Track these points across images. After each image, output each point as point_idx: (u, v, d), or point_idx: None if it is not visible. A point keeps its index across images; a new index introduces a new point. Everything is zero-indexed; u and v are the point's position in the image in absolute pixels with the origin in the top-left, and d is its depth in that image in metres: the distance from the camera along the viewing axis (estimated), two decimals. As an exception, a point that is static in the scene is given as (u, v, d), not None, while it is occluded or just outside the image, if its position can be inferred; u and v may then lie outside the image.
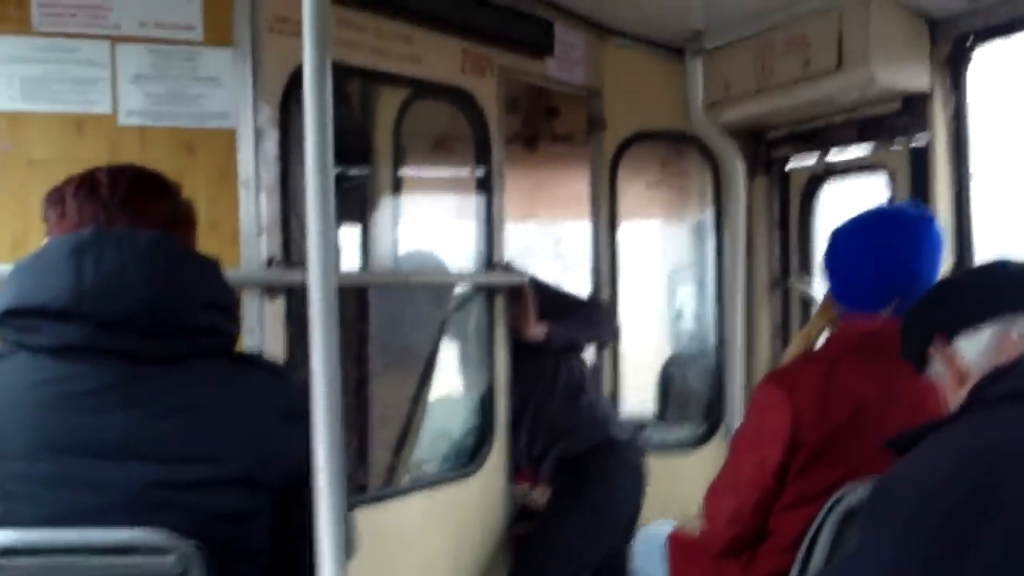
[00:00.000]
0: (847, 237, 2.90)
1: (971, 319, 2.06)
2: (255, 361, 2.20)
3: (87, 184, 2.07)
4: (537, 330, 4.18)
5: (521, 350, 4.18)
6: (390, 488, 3.98)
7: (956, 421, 1.91)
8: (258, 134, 3.06)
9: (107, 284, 1.91)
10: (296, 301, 3.10)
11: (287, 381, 2.15)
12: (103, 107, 2.95)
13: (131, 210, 2.05)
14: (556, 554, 4.10)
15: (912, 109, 3.87)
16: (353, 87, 4.11)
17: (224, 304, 2.06)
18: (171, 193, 2.16)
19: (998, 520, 1.64)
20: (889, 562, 1.74)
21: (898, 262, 2.77)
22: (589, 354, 4.62)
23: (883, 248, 2.79)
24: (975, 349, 2.05)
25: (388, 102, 4.21)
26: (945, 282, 2.29)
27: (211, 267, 2.07)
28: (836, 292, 2.91)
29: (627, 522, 4.21)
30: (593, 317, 4.50)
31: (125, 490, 1.91)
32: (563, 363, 4.33)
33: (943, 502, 1.70)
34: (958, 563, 1.65)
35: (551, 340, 4.23)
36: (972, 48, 3.69)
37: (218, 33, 3.03)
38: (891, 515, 1.78)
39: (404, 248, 4.54)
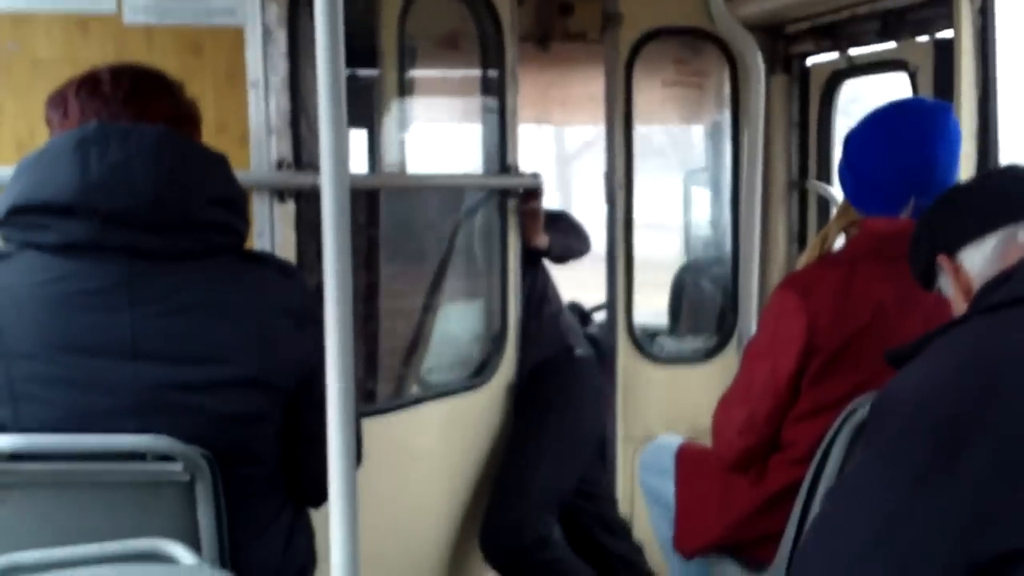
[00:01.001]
0: (858, 137, 2.85)
1: (975, 231, 2.04)
2: (265, 259, 2.19)
3: (89, 83, 2.05)
4: (542, 239, 4.17)
5: None
6: (399, 398, 3.96)
7: (953, 330, 1.89)
8: (266, 32, 2.98)
9: (112, 176, 1.89)
10: (307, 204, 3.07)
11: (297, 281, 2.13)
12: (108, 5, 2.87)
13: (134, 107, 2.03)
14: (527, 486, 4.04)
15: (937, 0, 3.77)
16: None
17: (232, 199, 2.05)
18: (174, 91, 2.15)
19: (990, 426, 1.64)
20: (883, 473, 1.74)
21: (911, 159, 2.72)
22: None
23: (894, 146, 2.75)
24: (980, 259, 2.03)
25: (393, -1, 4.12)
26: (946, 197, 2.23)
27: (218, 162, 2.06)
28: (852, 195, 2.86)
29: (595, 443, 4.28)
30: (577, 228, 4.55)
31: (133, 390, 1.91)
32: (527, 273, 4.29)
33: (935, 412, 1.71)
34: (949, 471, 1.64)
35: (551, 249, 4.25)
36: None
37: (224, -74, 2.94)
38: (886, 428, 1.79)
39: (424, 154, 4.47)
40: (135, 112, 2.03)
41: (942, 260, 2.11)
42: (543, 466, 4.06)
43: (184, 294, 1.96)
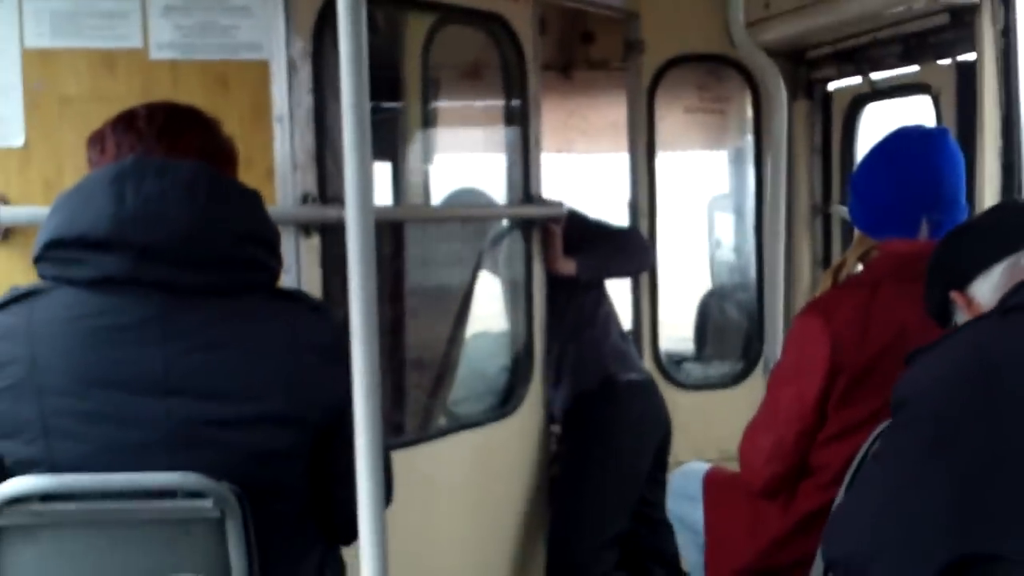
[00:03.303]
0: (863, 170, 2.93)
1: (982, 264, 2.13)
2: (296, 297, 2.19)
3: (125, 119, 2.09)
4: (567, 266, 4.10)
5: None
6: (427, 431, 3.96)
7: (962, 330, 1.98)
8: (291, 66, 3.01)
9: (147, 210, 1.90)
10: (332, 238, 3.08)
11: (327, 318, 2.13)
12: (134, 42, 2.91)
13: (167, 141, 2.05)
14: (580, 527, 4.05)
15: (959, 23, 3.75)
16: (380, 14, 4.03)
17: (265, 237, 2.05)
18: (209, 127, 2.16)
19: (984, 421, 1.71)
20: (894, 459, 1.86)
21: (919, 175, 2.77)
22: (610, 287, 4.55)
23: (901, 165, 2.80)
24: (988, 289, 2.11)
25: (415, 29, 4.14)
26: (954, 234, 2.31)
27: (252, 199, 2.06)
28: (865, 225, 2.91)
29: (644, 471, 4.17)
30: (625, 248, 4.43)
31: (164, 426, 1.91)
32: (573, 296, 4.26)
33: (936, 402, 1.80)
34: (941, 461, 1.73)
35: (580, 274, 4.14)
36: (1023, -46, 3.57)
37: (248, -39, 2.98)
38: (898, 415, 1.89)
39: (448, 185, 4.47)
40: (168, 146, 2.05)
41: (955, 296, 2.18)
42: (592, 504, 4.05)
43: (216, 330, 1.97)
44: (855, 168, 2.96)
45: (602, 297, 4.40)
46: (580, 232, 4.21)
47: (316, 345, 2.05)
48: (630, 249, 4.44)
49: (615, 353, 4.28)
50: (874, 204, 2.84)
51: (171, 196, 1.92)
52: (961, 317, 2.19)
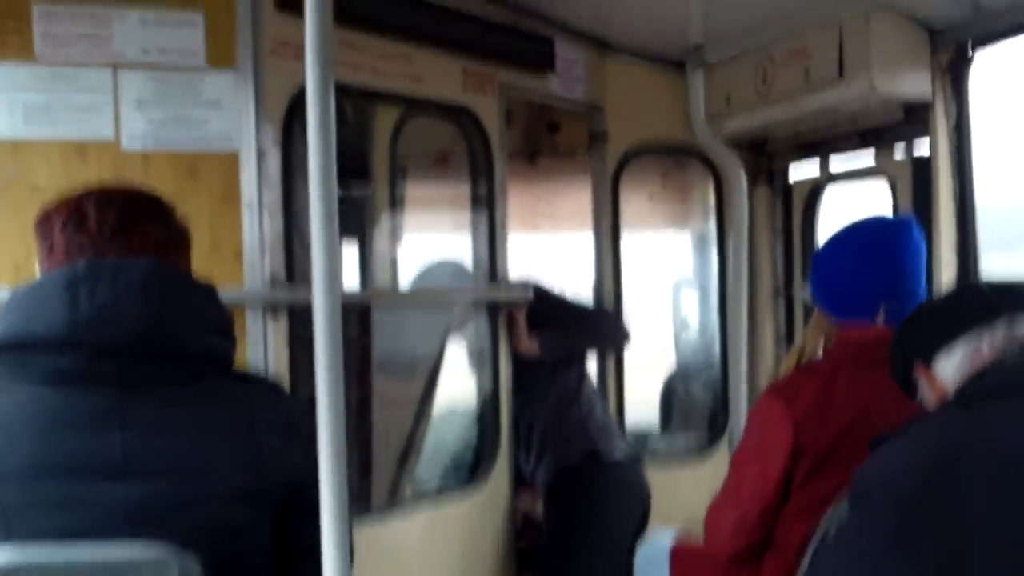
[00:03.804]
0: (827, 252, 2.97)
1: (943, 340, 2.18)
2: (252, 379, 2.20)
3: (75, 216, 2.05)
4: (529, 346, 4.14)
5: (517, 361, 4.17)
6: (394, 505, 3.97)
7: (922, 421, 2.01)
8: (260, 155, 3.07)
9: (101, 315, 1.91)
10: (299, 319, 3.11)
11: (283, 397, 2.16)
12: (106, 133, 2.97)
13: (120, 239, 2.04)
14: None
15: (914, 117, 3.88)
16: (350, 105, 4.12)
17: (219, 326, 2.07)
18: (162, 215, 2.14)
19: (947, 509, 1.74)
20: (859, 545, 1.85)
21: (879, 263, 2.83)
22: (592, 364, 4.60)
23: (863, 252, 2.86)
24: (951, 367, 2.16)
25: (384, 119, 4.23)
26: (916, 312, 2.38)
27: (206, 292, 2.07)
28: (826, 306, 2.94)
29: (626, 544, 4.13)
30: (593, 326, 4.47)
31: (124, 508, 1.92)
32: (558, 373, 4.31)
33: (900, 489, 1.82)
34: (911, 548, 1.74)
35: (543, 354, 4.18)
36: (972, 55, 3.69)
37: (220, 57, 3.05)
38: (862, 502, 1.90)
39: (415, 268, 4.53)
40: (122, 244, 2.04)
41: (919, 371, 2.24)
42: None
43: (173, 414, 1.98)
44: (818, 252, 3.01)
45: (584, 374, 4.44)
46: (548, 309, 4.27)
47: (273, 423, 2.07)
48: (598, 327, 4.48)
49: (600, 430, 4.31)
50: (835, 289, 2.90)
51: (125, 299, 1.92)
52: (925, 391, 2.25)
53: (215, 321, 2.06)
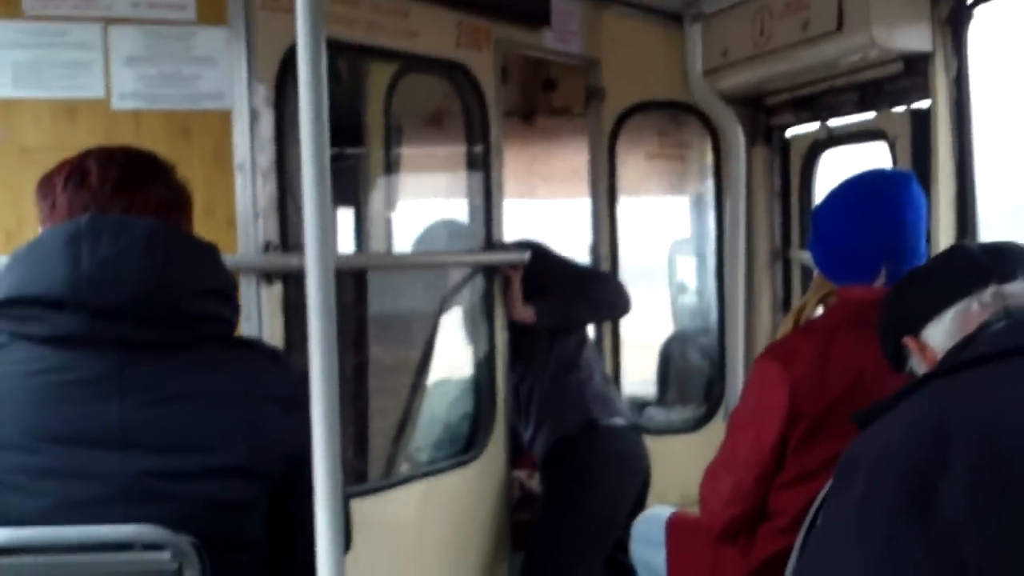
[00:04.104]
0: (826, 211, 2.91)
1: (933, 309, 2.15)
2: (254, 346, 2.18)
3: (77, 174, 2.04)
4: (525, 312, 4.09)
5: (516, 327, 4.13)
6: (389, 478, 3.95)
7: (916, 390, 1.95)
8: (253, 115, 3.03)
9: (103, 272, 1.89)
10: (294, 286, 3.08)
11: (286, 368, 2.13)
12: (96, 91, 2.92)
13: (122, 198, 2.02)
14: (556, 566, 4.07)
15: (913, 71, 3.82)
16: (343, 63, 4.07)
17: (223, 290, 2.05)
18: (163, 176, 2.12)
19: (954, 476, 1.69)
20: (858, 527, 1.79)
21: (879, 224, 2.78)
22: (591, 331, 4.56)
23: (862, 211, 2.81)
24: (941, 334, 2.13)
25: (378, 77, 4.18)
26: (905, 280, 2.34)
27: (209, 253, 2.06)
28: (825, 267, 2.91)
29: (623, 517, 4.10)
30: (591, 294, 4.35)
31: (122, 480, 1.90)
32: (557, 339, 4.26)
33: (900, 463, 1.77)
34: (921, 520, 1.69)
35: (539, 322, 4.13)
36: (973, 7, 3.64)
37: (211, 12, 3.00)
38: (856, 483, 1.83)
39: (411, 231, 4.48)
40: (124, 203, 2.02)
41: (908, 341, 2.21)
42: (568, 548, 4.04)
43: (173, 383, 1.96)
44: (817, 208, 2.94)
45: (585, 340, 4.38)
46: (547, 273, 4.21)
47: (274, 395, 2.05)
48: (597, 295, 4.37)
49: (598, 398, 4.25)
50: (834, 248, 2.85)
51: (127, 257, 1.91)
52: (915, 362, 2.21)
53: (218, 283, 2.04)
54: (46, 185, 2.07)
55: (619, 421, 4.26)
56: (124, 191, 2.03)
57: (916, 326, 2.18)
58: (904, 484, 1.74)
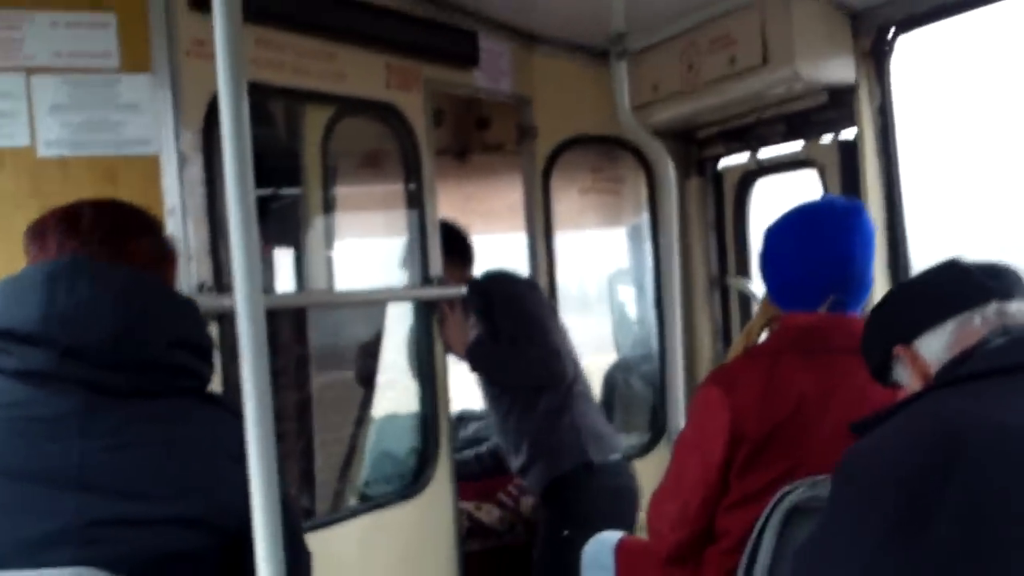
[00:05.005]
0: (777, 235, 2.91)
1: (932, 320, 2.11)
2: (221, 402, 2.17)
3: (69, 218, 2.07)
4: (460, 350, 4.11)
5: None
6: (335, 513, 3.92)
7: (917, 400, 1.95)
8: (181, 159, 3.02)
9: (76, 312, 1.90)
10: (229, 326, 3.06)
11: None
12: (21, 139, 2.90)
13: (110, 246, 2.04)
14: None
15: (838, 102, 3.91)
16: (278, 107, 4.07)
17: (200, 345, 2.06)
18: (153, 230, 2.16)
19: (956, 486, 1.68)
20: (854, 533, 1.78)
21: (829, 256, 2.78)
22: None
23: (813, 244, 2.80)
24: (937, 345, 2.09)
25: (315, 120, 4.19)
26: (898, 290, 2.33)
27: (188, 307, 2.08)
28: (773, 292, 2.92)
29: None
30: (522, 360, 4.22)
31: (74, 521, 1.88)
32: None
33: (901, 471, 1.76)
34: (919, 527, 1.68)
35: (470, 364, 4.16)
36: (895, 39, 3.73)
37: (135, 59, 3.00)
38: (853, 489, 1.84)
39: (349, 269, 4.49)
40: (112, 251, 2.04)
41: (900, 350, 2.16)
42: None
43: (136, 429, 1.95)
44: (767, 233, 2.92)
45: (578, 377, 4.32)
46: (495, 314, 4.20)
47: (235, 451, 2.03)
48: (525, 364, 4.21)
49: (592, 436, 4.22)
50: (782, 275, 2.86)
51: (103, 301, 1.92)
52: (903, 373, 2.18)
53: (193, 336, 2.05)
54: (38, 227, 2.09)
55: (614, 457, 4.26)
56: (113, 239, 2.05)
57: (911, 335, 2.14)
58: (900, 496, 1.74)
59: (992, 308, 2.06)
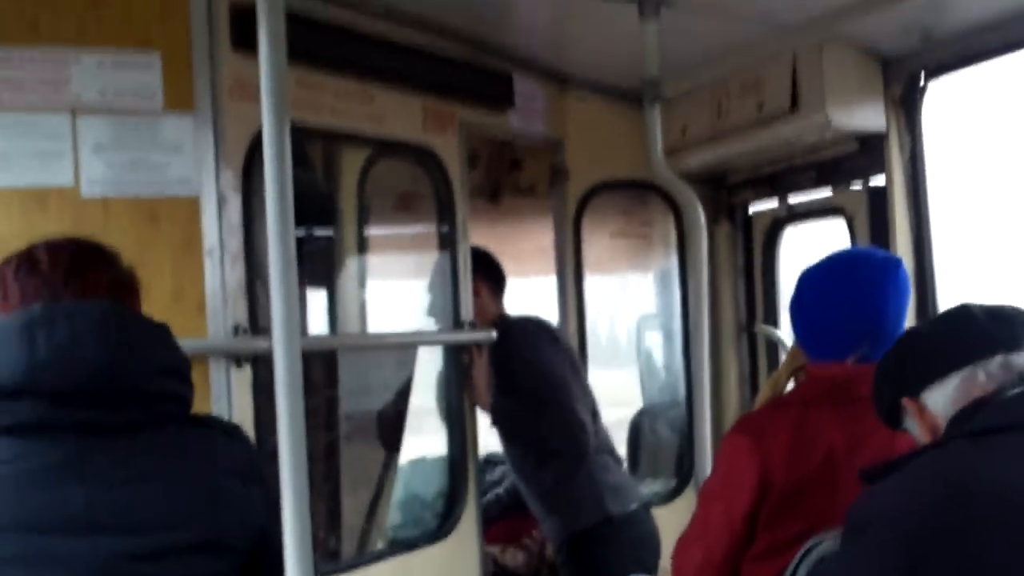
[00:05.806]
0: (811, 284, 2.87)
1: (936, 374, 2.10)
2: (210, 423, 2.19)
3: (27, 262, 2.06)
4: (483, 401, 4.07)
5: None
6: (361, 555, 3.92)
7: (926, 453, 1.95)
8: (221, 200, 3.05)
9: (59, 356, 1.90)
10: (263, 368, 3.08)
11: (242, 440, 2.16)
12: (65, 179, 2.93)
13: (74, 282, 2.04)
14: None
15: (868, 149, 3.90)
16: (315, 148, 4.11)
17: (180, 369, 2.06)
18: (112, 262, 2.14)
19: (954, 559, 1.69)
20: None
21: (863, 308, 2.74)
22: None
23: (848, 294, 2.76)
24: (943, 399, 2.09)
25: (351, 161, 4.23)
26: (906, 340, 2.31)
27: (163, 332, 2.07)
28: (802, 340, 2.90)
29: None
30: (543, 425, 4.17)
31: (91, 564, 1.90)
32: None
33: (907, 524, 1.77)
34: None
35: (492, 416, 4.14)
36: (925, 86, 3.73)
37: (179, 100, 3.04)
38: (862, 536, 1.84)
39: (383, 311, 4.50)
40: (76, 287, 2.04)
41: (906, 402, 2.16)
42: None
43: (135, 464, 1.97)
44: (801, 279, 2.89)
45: (596, 424, 4.27)
46: (515, 367, 4.16)
47: (233, 469, 2.06)
48: (548, 430, 4.17)
49: (610, 488, 4.19)
50: (817, 323, 2.82)
51: (82, 340, 1.92)
52: (911, 423, 2.18)
53: (173, 361, 2.05)
54: None
55: (634, 506, 4.23)
56: (75, 274, 2.05)
57: (916, 388, 2.14)
58: (908, 543, 1.74)
59: (997, 361, 2.05)
